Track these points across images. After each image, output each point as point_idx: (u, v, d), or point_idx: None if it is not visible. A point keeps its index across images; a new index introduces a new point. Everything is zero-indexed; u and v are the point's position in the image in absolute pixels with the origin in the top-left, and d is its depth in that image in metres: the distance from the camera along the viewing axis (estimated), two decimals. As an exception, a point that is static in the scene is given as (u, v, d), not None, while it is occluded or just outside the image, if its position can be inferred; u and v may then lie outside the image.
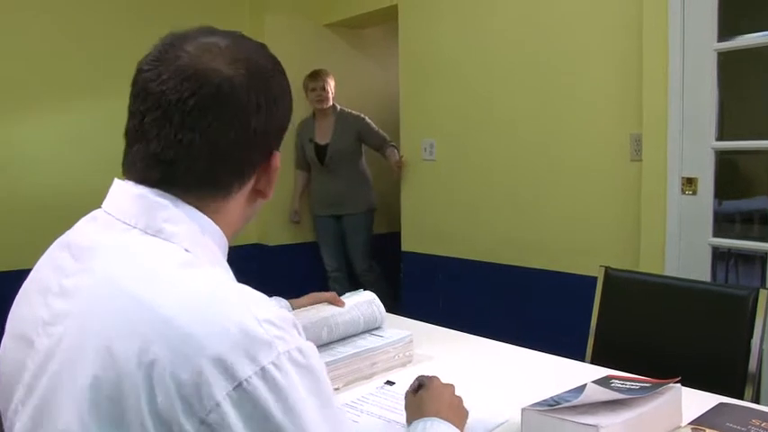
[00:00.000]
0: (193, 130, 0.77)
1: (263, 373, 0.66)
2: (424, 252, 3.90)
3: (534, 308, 3.27)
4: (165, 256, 0.76)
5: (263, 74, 0.84)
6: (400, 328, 1.68)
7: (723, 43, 2.53)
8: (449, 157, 3.73)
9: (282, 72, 0.89)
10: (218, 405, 0.65)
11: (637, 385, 1.18)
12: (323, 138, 4.29)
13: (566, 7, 3.09)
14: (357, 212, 4.32)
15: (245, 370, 0.66)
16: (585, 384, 1.11)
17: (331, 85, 4.25)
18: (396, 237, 4.10)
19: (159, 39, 0.85)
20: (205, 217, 0.82)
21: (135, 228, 0.78)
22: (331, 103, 4.29)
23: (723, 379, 1.60)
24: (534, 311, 3.26)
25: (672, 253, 2.68)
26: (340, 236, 4.39)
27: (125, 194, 0.81)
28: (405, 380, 1.39)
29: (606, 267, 1.98)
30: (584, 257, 3.01)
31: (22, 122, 3.68)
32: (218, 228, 0.83)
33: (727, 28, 2.54)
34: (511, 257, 3.39)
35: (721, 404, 1.26)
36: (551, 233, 3.21)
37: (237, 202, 0.86)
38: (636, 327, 1.90)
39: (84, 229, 0.84)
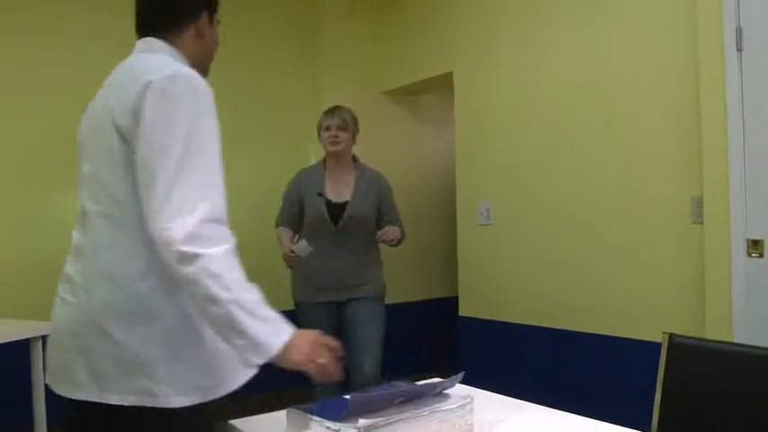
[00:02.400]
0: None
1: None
2: (481, 317, 3.86)
3: (596, 375, 3.19)
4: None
5: None
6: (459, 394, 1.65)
7: (784, 103, 2.50)
8: (505, 220, 3.72)
9: None
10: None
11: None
12: (338, 194, 3.31)
13: (622, 71, 3.10)
14: (369, 296, 3.32)
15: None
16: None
17: (350, 125, 3.36)
18: (450, 301, 4.08)
19: None
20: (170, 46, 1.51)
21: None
22: (348, 150, 3.38)
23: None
24: (596, 378, 3.17)
25: (740, 318, 2.59)
26: (338, 330, 3.27)
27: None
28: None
29: (670, 334, 1.92)
30: (647, 323, 2.94)
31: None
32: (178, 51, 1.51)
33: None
34: (570, 322, 3.33)
35: (798, 480, 1.20)
36: (612, 298, 3.14)
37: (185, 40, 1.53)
38: (705, 396, 1.83)
39: None
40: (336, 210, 3.27)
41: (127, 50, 1.53)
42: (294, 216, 3.38)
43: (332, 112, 3.36)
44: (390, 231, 3.27)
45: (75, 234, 1.48)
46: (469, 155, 3.98)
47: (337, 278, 3.27)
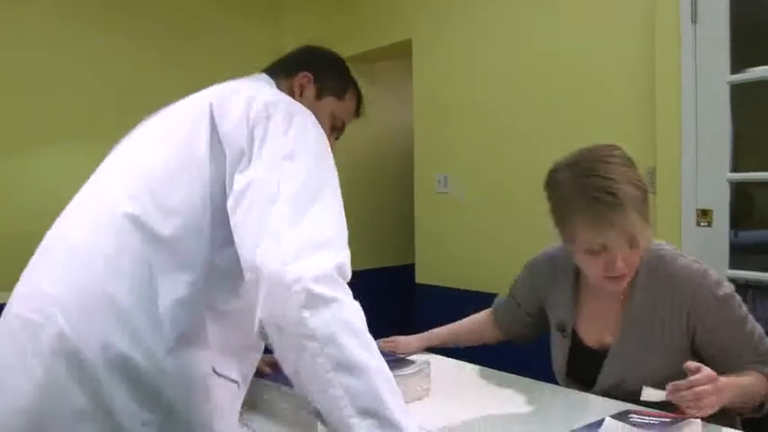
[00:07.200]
0: None
1: None
2: (438, 284, 3.89)
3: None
4: None
5: None
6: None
7: (736, 75, 2.54)
8: (463, 189, 3.73)
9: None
10: None
11: (656, 420, 1.17)
12: (599, 333, 1.68)
13: (578, 42, 3.12)
14: None
15: None
16: (603, 419, 1.10)
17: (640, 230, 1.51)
18: (409, 269, 4.10)
19: None
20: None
21: None
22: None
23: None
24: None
25: (688, 285, 2.65)
26: None
27: None
28: (419, 414, 1.38)
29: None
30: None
31: (43, 158, 3.74)
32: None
33: (740, 60, 2.55)
34: (526, 290, 3.37)
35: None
36: (566, 265, 3.19)
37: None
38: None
39: None
40: (588, 362, 1.66)
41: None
42: (521, 321, 2.01)
43: (600, 221, 1.53)
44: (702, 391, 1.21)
45: None
46: (427, 124, 3.97)
47: None
